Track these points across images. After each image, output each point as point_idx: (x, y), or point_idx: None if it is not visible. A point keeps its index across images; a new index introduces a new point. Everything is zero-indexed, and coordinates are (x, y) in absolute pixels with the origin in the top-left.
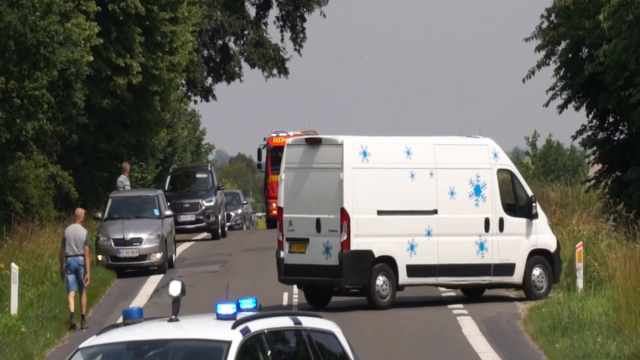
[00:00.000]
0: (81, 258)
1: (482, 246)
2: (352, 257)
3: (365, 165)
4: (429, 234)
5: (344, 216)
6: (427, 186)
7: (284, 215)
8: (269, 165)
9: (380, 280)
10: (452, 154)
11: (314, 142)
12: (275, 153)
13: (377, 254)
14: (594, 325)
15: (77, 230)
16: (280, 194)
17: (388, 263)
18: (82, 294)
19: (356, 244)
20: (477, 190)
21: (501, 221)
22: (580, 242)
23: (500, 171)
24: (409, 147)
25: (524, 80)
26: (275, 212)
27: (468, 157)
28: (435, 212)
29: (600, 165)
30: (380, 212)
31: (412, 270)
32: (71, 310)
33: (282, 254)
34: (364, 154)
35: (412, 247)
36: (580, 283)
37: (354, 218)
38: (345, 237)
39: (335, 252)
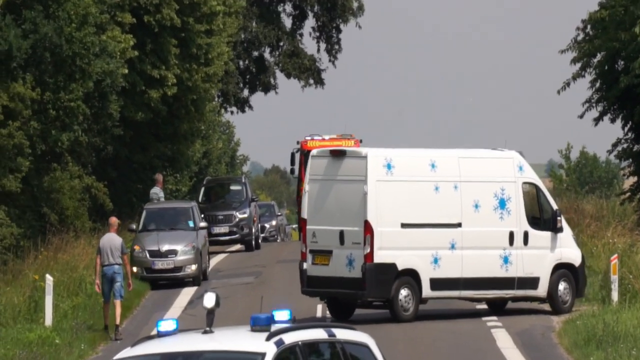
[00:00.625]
0: (117, 267)
1: (506, 260)
2: (375, 270)
3: (389, 178)
4: (453, 247)
5: (368, 229)
6: (451, 199)
7: (308, 227)
8: (303, 171)
9: (403, 293)
10: (477, 167)
11: (338, 154)
12: (309, 158)
13: (400, 267)
14: (628, 339)
15: (112, 239)
16: (303, 205)
17: (411, 276)
18: (117, 304)
19: (379, 257)
20: (502, 204)
21: (526, 235)
22: (615, 255)
23: (525, 184)
24: (434, 160)
25: (559, 92)
26: None
27: (493, 170)
28: (459, 225)
29: (635, 178)
30: (404, 225)
31: (436, 284)
32: (105, 323)
33: (305, 266)
34: (388, 166)
35: (435, 261)
36: (615, 296)
37: (378, 231)
38: (368, 250)
39: (358, 265)
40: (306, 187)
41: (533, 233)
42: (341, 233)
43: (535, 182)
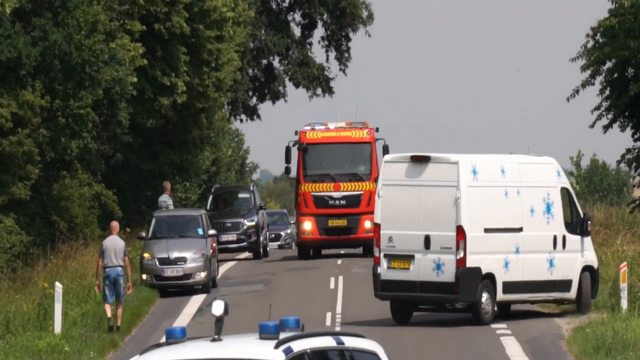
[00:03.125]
0: (120, 269)
1: (551, 263)
2: (468, 274)
3: (475, 183)
4: (517, 251)
5: (461, 233)
6: (515, 204)
7: (382, 232)
8: (301, 170)
9: (484, 296)
10: (531, 173)
11: (420, 160)
12: (310, 153)
13: (483, 271)
14: (638, 346)
15: (115, 241)
16: (377, 210)
17: (490, 279)
18: (120, 304)
19: (470, 261)
20: (548, 208)
21: (564, 238)
22: (625, 262)
23: (562, 189)
24: (503, 165)
25: (568, 99)
26: (306, 236)
27: (541, 176)
28: (521, 229)
29: None
30: (487, 230)
31: (506, 287)
32: (108, 316)
33: (379, 270)
34: (474, 172)
35: (506, 264)
36: (624, 303)
37: (469, 236)
38: (462, 255)
39: (447, 269)
40: (380, 192)
41: (569, 237)
42: (427, 237)
43: (568, 187)
